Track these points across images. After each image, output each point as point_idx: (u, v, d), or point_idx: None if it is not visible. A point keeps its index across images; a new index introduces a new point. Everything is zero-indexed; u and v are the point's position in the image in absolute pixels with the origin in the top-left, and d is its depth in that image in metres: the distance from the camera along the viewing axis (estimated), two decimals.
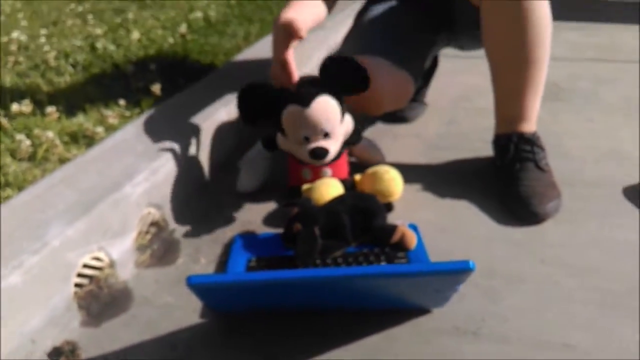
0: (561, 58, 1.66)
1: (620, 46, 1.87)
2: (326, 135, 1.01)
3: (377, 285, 0.72)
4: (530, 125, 1.09)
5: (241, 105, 1.04)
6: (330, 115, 1.00)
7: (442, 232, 1.00)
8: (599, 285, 0.85)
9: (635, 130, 1.30)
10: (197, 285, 0.68)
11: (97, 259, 0.91)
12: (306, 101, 0.99)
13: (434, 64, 1.51)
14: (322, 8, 1.16)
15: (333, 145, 1.03)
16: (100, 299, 0.90)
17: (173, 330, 0.85)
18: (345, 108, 1.04)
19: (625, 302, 0.81)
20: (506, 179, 1.07)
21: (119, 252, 0.94)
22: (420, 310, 0.83)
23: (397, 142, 1.33)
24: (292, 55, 1.03)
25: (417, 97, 1.45)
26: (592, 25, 2.11)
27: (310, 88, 1.01)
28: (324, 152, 1.01)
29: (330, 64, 1.00)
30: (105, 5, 2.35)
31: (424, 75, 1.46)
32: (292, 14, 1.02)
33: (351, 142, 1.11)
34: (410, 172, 1.14)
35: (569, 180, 1.10)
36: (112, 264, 0.93)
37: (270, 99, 1.02)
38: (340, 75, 1.00)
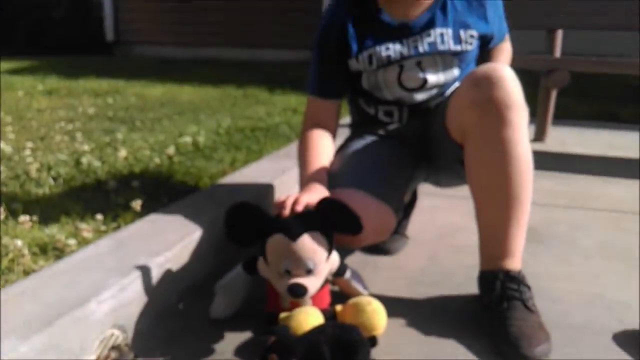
0: (537, 204, 1.71)
1: (592, 195, 1.95)
2: (309, 272, 0.98)
3: None
4: (515, 263, 1.08)
5: (228, 222, 1.02)
6: (317, 253, 0.97)
7: None
8: None
9: (615, 276, 1.30)
10: None
11: None
12: (294, 234, 0.96)
13: (414, 197, 1.53)
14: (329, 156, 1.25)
15: (314, 283, 0.98)
16: None
17: None
18: (332, 247, 1.02)
19: None
20: (493, 318, 1.04)
21: None
22: None
23: (379, 275, 1.30)
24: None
25: (399, 229, 1.45)
26: (564, 175, 2.21)
27: (301, 222, 0.99)
28: (302, 290, 0.96)
29: (326, 205, 1.01)
30: (95, 125, 2.41)
31: (404, 209, 1.47)
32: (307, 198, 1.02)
33: (336, 274, 1.09)
34: (393, 306, 1.10)
35: (556, 324, 1.07)
36: None
37: (259, 223, 1.00)
38: (335, 217, 1.00)
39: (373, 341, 0.94)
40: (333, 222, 1.00)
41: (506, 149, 1.03)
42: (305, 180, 1.15)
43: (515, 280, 1.06)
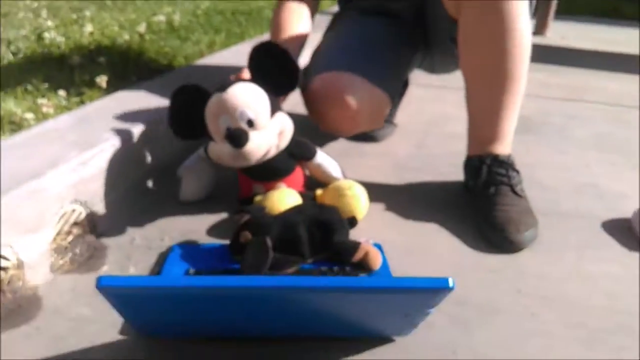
0: (531, 94, 1.63)
1: (588, 88, 1.86)
2: (250, 123, 0.88)
3: (335, 304, 0.60)
4: (504, 147, 1.01)
5: (172, 109, 0.94)
6: (250, 100, 0.88)
7: (409, 255, 0.89)
8: (580, 320, 0.75)
9: (610, 167, 1.25)
10: (109, 288, 0.55)
11: (2, 257, 0.76)
12: (225, 87, 0.89)
13: (405, 84, 1.44)
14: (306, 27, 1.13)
15: (258, 136, 0.89)
16: (0, 304, 0.75)
17: (84, 347, 0.70)
18: (277, 105, 0.93)
19: (607, 339, 0.72)
20: (479, 203, 0.99)
21: (32, 252, 0.79)
22: (383, 339, 0.71)
23: (364, 161, 1.23)
24: None
25: (387, 117, 1.37)
26: (562, 68, 2.11)
27: (239, 81, 0.91)
28: (241, 134, 0.86)
29: (258, 53, 0.92)
30: (64, 3, 2.21)
31: None
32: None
33: (304, 157, 1.01)
34: (376, 191, 1.04)
35: (545, 211, 1.02)
36: (19, 265, 0.78)
37: (203, 102, 0.91)
38: (269, 66, 0.91)
39: (352, 222, 0.89)
40: (267, 71, 0.91)
41: (503, 21, 0.92)
42: None
43: (504, 164, 1.00)
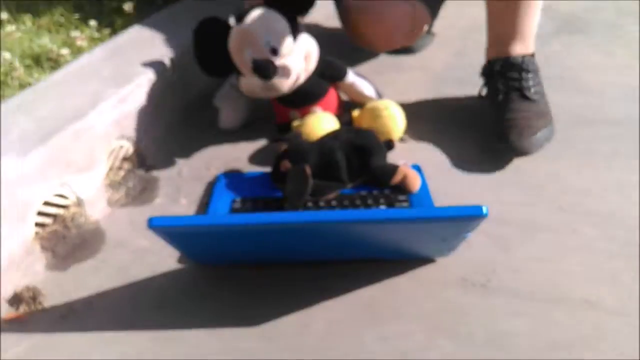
0: None
1: None
2: (274, 51, 0.87)
3: (376, 233, 0.63)
4: (523, 47, 0.96)
5: (197, 47, 0.93)
6: (270, 26, 0.87)
7: (448, 174, 0.90)
8: (624, 235, 0.76)
9: None
10: (160, 228, 0.58)
11: (61, 196, 0.81)
12: (243, 18, 0.88)
13: None
14: None
15: (285, 62, 0.88)
16: (67, 239, 0.81)
17: (146, 277, 0.76)
18: (298, 27, 0.91)
19: None
20: (492, 112, 0.96)
21: (88, 189, 0.84)
22: (424, 260, 0.74)
23: (401, 76, 1.20)
24: None
25: None
26: None
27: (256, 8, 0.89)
28: (268, 64, 0.86)
29: None
30: None
31: None
32: None
33: (335, 77, 0.99)
34: (414, 109, 1.02)
35: (588, 119, 0.99)
36: (79, 202, 0.83)
37: (225, 35, 0.90)
38: None
39: (390, 145, 0.89)
40: None
41: None
42: None
43: (516, 66, 0.94)
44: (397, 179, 0.82)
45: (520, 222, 0.79)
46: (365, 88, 1.01)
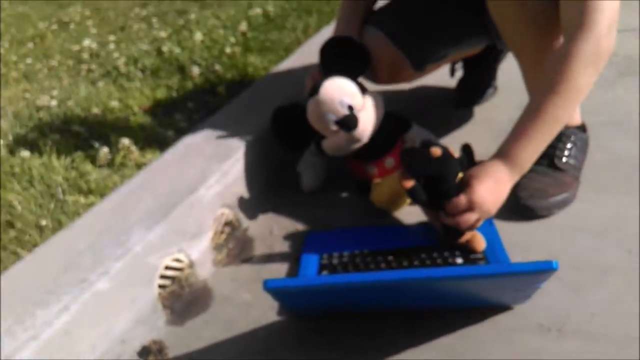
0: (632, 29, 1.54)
1: None
2: (350, 108, 0.99)
3: (457, 286, 0.71)
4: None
5: (276, 130, 1.07)
6: (342, 89, 1.00)
7: (520, 224, 0.96)
8: None
9: None
10: (273, 289, 0.70)
11: (177, 260, 0.95)
12: (317, 90, 1.01)
13: (494, 52, 1.40)
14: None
15: (363, 115, 1.00)
16: (182, 298, 0.94)
17: (252, 328, 0.87)
18: (361, 86, 1.04)
19: None
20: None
21: (197, 252, 0.98)
22: (501, 308, 0.80)
23: (464, 128, 1.29)
24: None
25: (485, 81, 1.39)
26: None
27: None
28: (350, 117, 0.98)
29: (328, 47, 1.04)
30: (168, 7, 2.42)
31: (482, 62, 1.37)
32: None
33: (401, 129, 1.10)
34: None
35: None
36: (191, 264, 0.96)
37: (302, 115, 1.03)
38: (342, 56, 1.04)
39: (470, 157, 0.90)
40: (342, 61, 1.03)
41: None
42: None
43: (561, 136, 0.98)
44: (465, 238, 0.88)
45: (592, 267, 0.84)
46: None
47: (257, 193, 1.13)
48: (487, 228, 0.92)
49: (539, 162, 0.93)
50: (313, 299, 0.76)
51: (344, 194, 1.13)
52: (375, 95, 1.05)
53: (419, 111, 1.31)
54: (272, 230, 1.08)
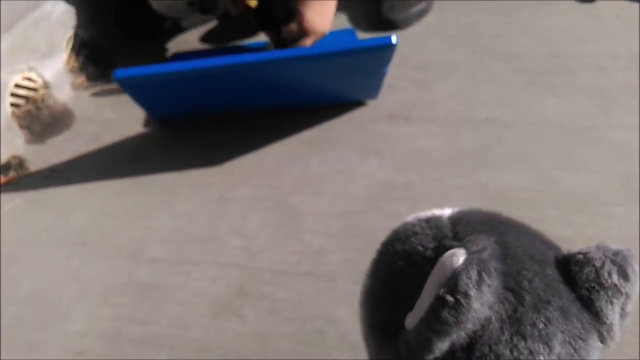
0: None
1: None
2: None
3: (305, 71, 0.73)
4: None
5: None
6: None
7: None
8: (524, 67, 0.89)
9: None
10: (123, 79, 0.68)
11: (29, 79, 0.89)
12: None
13: None
14: None
15: None
16: (40, 119, 0.90)
17: (117, 141, 0.86)
18: None
19: (544, 80, 0.86)
20: None
21: (52, 73, 0.92)
22: (356, 104, 0.86)
23: None
24: None
25: None
26: None
27: None
28: None
29: None
30: None
31: None
32: None
33: None
34: None
35: None
36: (46, 85, 0.91)
37: None
38: None
39: None
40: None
41: None
42: None
43: None
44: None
45: (440, 66, 0.91)
46: None
47: (116, 12, 1.06)
48: (350, 37, 0.95)
49: None
50: (167, 93, 0.76)
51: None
52: None
53: None
54: (135, 54, 1.03)
